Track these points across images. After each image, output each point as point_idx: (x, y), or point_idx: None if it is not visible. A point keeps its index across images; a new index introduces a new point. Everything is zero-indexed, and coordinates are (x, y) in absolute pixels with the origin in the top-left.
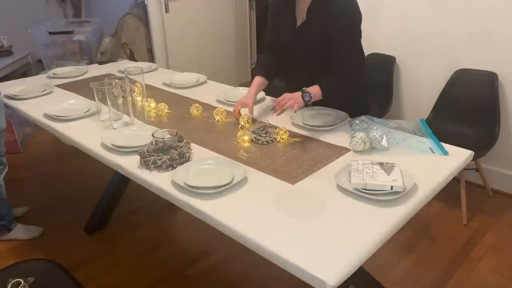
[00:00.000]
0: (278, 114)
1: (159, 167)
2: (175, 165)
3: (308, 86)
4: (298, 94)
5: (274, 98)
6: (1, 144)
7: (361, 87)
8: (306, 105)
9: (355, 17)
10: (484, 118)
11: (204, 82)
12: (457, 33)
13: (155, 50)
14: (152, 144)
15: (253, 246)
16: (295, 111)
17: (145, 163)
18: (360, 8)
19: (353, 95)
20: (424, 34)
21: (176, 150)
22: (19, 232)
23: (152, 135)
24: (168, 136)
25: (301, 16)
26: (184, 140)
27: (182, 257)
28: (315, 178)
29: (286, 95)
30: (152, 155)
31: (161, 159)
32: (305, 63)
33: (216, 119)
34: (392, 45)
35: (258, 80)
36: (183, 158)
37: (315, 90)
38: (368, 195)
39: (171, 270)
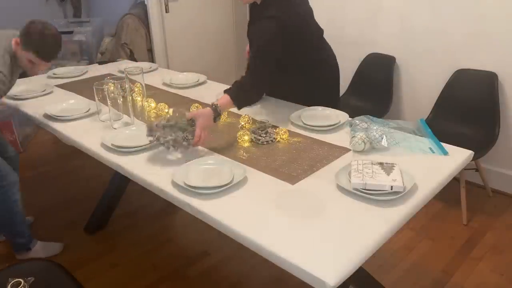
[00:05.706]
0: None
1: (161, 144)
2: (176, 147)
3: (278, 84)
4: (208, 122)
5: None
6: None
7: (322, 80)
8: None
9: (273, 22)
10: (484, 118)
11: (204, 82)
12: (457, 33)
13: (155, 50)
14: (164, 120)
15: (253, 246)
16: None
17: (151, 134)
18: (360, 8)
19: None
20: (424, 34)
21: (183, 133)
22: (39, 251)
23: (169, 110)
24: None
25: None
26: (194, 125)
27: (182, 257)
28: (315, 178)
29: (198, 126)
30: (159, 130)
31: (166, 138)
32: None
33: None
34: (392, 45)
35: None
36: (186, 143)
37: (223, 101)
38: (368, 195)
39: (171, 270)
